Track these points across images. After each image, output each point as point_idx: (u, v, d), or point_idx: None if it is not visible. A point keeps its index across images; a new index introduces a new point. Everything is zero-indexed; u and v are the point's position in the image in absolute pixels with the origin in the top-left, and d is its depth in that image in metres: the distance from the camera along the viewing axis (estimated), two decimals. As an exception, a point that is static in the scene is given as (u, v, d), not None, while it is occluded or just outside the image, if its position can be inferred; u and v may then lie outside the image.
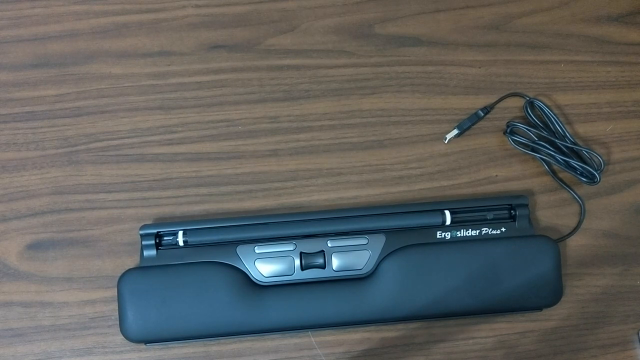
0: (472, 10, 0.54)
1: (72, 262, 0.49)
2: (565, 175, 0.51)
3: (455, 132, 0.51)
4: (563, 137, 0.50)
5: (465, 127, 0.51)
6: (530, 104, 0.51)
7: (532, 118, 0.50)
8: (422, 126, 0.52)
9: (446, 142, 0.51)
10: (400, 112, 0.52)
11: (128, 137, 0.51)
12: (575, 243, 0.50)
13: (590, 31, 0.54)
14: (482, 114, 0.51)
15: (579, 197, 0.50)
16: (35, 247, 0.49)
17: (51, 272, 0.49)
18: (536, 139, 0.50)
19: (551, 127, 0.50)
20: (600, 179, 0.49)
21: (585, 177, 0.49)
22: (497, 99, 0.52)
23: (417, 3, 0.54)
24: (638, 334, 0.48)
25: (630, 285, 0.49)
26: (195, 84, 0.52)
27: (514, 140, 0.50)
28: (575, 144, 0.50)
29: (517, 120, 0.51)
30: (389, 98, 0.52)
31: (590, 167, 0.49)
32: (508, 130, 0.50)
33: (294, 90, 0.52)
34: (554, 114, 0.50)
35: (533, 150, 0.50)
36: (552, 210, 0.50)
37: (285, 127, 0.51)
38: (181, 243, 0.46)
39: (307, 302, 0.46)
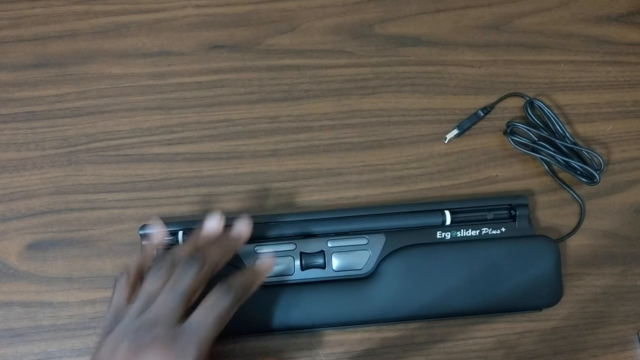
0: (472, 10, 0.54)
1: (72, 262, 0.49)
2: (565, 175, 0.51)
3: (455, 132, 0.51)
4: (563, 137, 0.50)
5: (465, 127, 0.51)
6: (530, 104, 0.51)
7: (532, 118, 0.50)
8: (422, 126, 0.52)
9: (446, 142, 0.51)
10: (400, 112, 0.52)
11: (128, 137, 0.51)
12: (575, 243, 0.50)
13: (590, 31, 0.54)
14: (482, 114, 0.51)
15: (579, 197, 0.50)
16: (35, 247, 0.49)
17: (51, 272, 0.49)
18: (536, 139, 0.50)
19: (551, 127, 0.50)
20: (600, 179, 0.49)
21: (585, 177, 0.49)
22: (497, 99, 0.52)
23: (417, 3, 0.54)
24: (638, 334, 0.48)
25: (630, 285, 0.50)
26: (195, 84, 0.52)
27: (513, 141, 0.50)
28: (575, 144, 0.50)
29: (517, 121, 0.51)
30: (389, 98, 0.52)
31: (590, 167, 0.49)
32: (508, 131, 0.50)
33: (294, 90, 0.52)
34: (554, 114, 0.50)
35: (533, 150, 0.50)
36: (552, 210, 0.50)
37: (285, 127, 0.51)
38: (181, 243, 0.46)
39: (307, 302, 0.46)
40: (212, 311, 0.38)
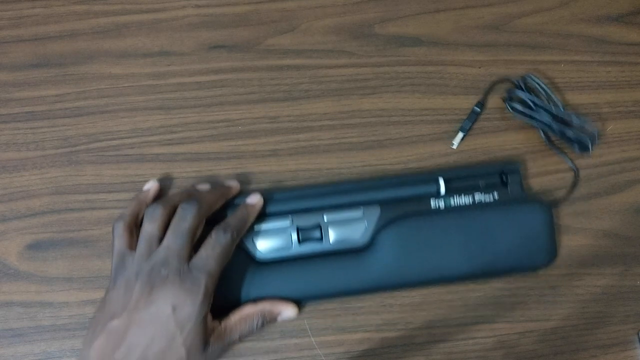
0: (472, 10, 0.54)
1: (72, 262, 0.49)
2: (561, 145, 0.51)
3: (460, 135, 0.51)
4: (557, 107, 0.50)
5: (467, 127, 0.51)
6: (523, 80, 0.51)
7: (526, 92, 0.51)
8: (422, 126, 0.52)
9: (455, 147, 0.51)
10: (400, 112, 0.52)
11: (128, 137, 0.51)
12: (575, 243, 0.50)
13: (590, 31, 0.54)
14: (479, 110, 0.51)
15: (573, 164, 0.50)
16: (35, 247, 0.49)
17: (51, 272, 0.49)
18: (533, 106, 0.51)
19: (545, 98, 0.51)
20: (593, 148, 0.49)
21: (580, 146, 0.50)
22: (486, 90, 0.52)
23: (417, 3, 0.54)
24: (638, 334, 0.48)
25: (630, 285, 0.50)
26: (195, 84, 0.52)
27: (512, 107, 0.50)
28: (568, 114, 0.50)
29: (519, 88, 0.51)
30: (389, 98, 0.52)
31: (585, 136, 0.50)
32: (507, 98, 0.51)
33: (294, 90, 0.52)
34: (546, 86, 0.51)
35: (530, 117, 0.50)
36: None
37: (285, 127, 0.51)
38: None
39: (305, 275, 0.46)
40: (215, 248, 0.42)
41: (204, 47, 0.52)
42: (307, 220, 0.47)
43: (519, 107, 0.50)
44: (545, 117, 0.50)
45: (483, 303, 0.49)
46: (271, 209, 0.47)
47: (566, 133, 0.50)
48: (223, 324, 0.44)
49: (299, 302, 0.47)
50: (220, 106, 0.51)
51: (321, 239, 0.46)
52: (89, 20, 0.53)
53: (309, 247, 0.47)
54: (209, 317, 0.42)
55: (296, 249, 0.46)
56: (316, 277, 0.46)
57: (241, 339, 0.44)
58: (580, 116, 0.50)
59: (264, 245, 0.46)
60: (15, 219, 0.49)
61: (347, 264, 0.46)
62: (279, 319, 0.46)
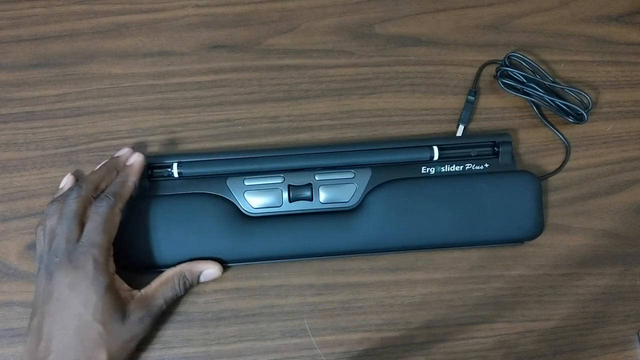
0: (472, 10, 0.54)
1: (72, 262, 0.49)
2: (553, 118, 0.51)
3: (461, 127, 0.51)
4: (549, 80, 0.51)
5: (466, 118, 0.51)
6: (508, 59, 0.51)
7: (516, 69, 0.51)
8: (422, 126, 0.52)
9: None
10: (400, 112, 0.52)
11: (128, 137, 0.51)
12: (575, 243, 0.50)
13: (590, 31, 0.54)
14: (473, 98, 0.51)
15: (565, 139, 0.51)
16: (35, 247, 0.49)
17: (51, 272, 0.49)
18: (525, 81, 0.51)
19: (534, 73, 0.51)
20: (587, 118, 0.50)
21: (574, 117, 0.50)
22: (475, 77, 0.52)
23: (417, 3, 0.54)
24: (638, 334, 0.48)
25: (630, 285, 0.50)
26: (195, 84, 0.52)
27: (504, 84, 0.51)
28: (560, 85, 0.51)
29: (506, 66, 0.51)
30: (389, 98, 0.52)
31: (579, 107, 0.50)
32: (498, 74, 0.51)
33: (294, 90, 0.52)
34: (531, 60, 0.51)
35: (523, 93, 0.51)
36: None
37: (285, 127, 0.51)
38: (176, 174, 0.47)
39: (295, 233, 0.47)
40: (95, 220, 0.42)
41: (204, 47, 0.52)
42: (298, 179, 0.47)
43: (510, 82, 0.51)
44: (537, 91, 0.50)
45: (483, 303, 0.49)
46: (264, 166, 0.48)
47: (559, 104, 0.50)
48: (143, 291, 0.44)
49: (287, 259, 0.47)
50: (220, 106, 0.51)
51: (311, 198, 0.47)
52: (89, 20, 0.53)
53: (299, 206, 0.47)
54: (121, 286, 0.43)
55: (287, 206, 0.47)
56: (305, 235, 0.47)
57: (166, 303, 0.45)
58: (572, 86, 0.51)
59: (255, 201, 0.47)
60: (15, 219, 0.49)
61: (336, 224, 0.47)
62: (202, 278, 0.46)
